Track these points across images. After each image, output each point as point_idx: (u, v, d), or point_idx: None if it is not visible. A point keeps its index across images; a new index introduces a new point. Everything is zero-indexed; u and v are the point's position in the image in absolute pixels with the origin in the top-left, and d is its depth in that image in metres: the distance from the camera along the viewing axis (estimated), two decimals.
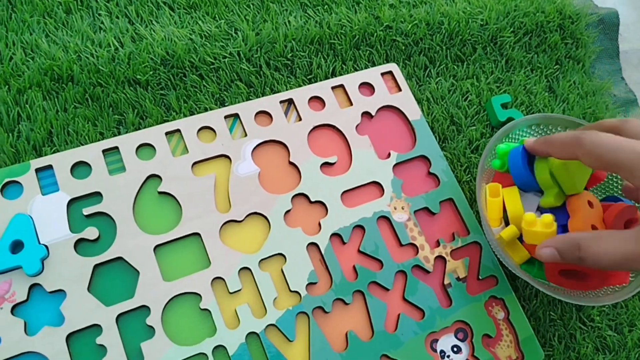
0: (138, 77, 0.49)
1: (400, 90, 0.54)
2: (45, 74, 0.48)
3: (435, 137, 0.54)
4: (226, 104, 0.50)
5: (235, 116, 0.49)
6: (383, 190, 0.49)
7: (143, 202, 0.45)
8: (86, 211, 0.43)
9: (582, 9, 0.65)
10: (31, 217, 0.42)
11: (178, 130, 0.47)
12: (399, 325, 0.44)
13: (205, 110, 0.50)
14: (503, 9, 0.61)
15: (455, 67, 0.58)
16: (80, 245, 0.42)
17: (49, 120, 0.46)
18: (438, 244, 0.48)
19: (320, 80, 0.54)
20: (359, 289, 0.45)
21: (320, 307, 0.44)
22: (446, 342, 0.45)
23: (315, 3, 0.58)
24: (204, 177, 0.46)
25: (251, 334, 0.42)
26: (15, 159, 0.45)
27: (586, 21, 0.65)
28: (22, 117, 0.46)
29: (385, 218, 0.48)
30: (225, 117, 0.48)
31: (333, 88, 0.52)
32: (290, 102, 0.51)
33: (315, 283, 0.44)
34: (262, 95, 0.52)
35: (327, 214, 0.47)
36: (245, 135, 0.48)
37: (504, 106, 0.56)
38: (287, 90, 0.52)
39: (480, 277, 0.48)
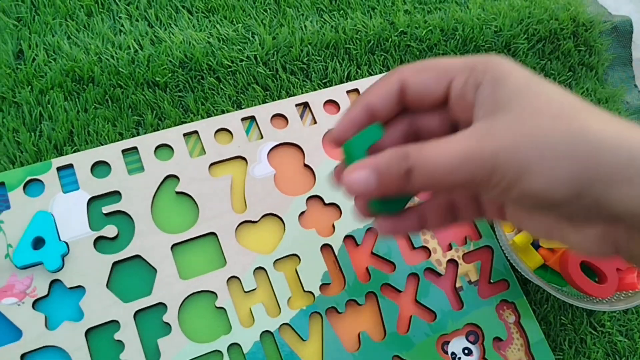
0: (157, 79, 0.50)
1: None
2: (66, 75, 0.49)
3: None
4: (243, 107, 0.51)
5: (252, 119, 0.50)
6: None
7: (161, 201, 0.45)
8: (105, 210, 0.44)
9: (595, 16, 0.65)
10: (52, 215, 0.43)
11: (196, 132, 0.48)
12: (410, 327, 0.45)
13: (222, 112, 0.50)
14: (517, 16, 0.62)
15: None
16: (100, 242, 0.43)
17: (70, 120, 0.47)
18: (450, 247, 0.49)
19: (336, 84, 0.54)
20: (371, 290, 0.45)
21: (333, 308, 0.44)
22: (457, 344, 0.45)
23: (331, 8, 0.58)
24: (221, 178, 0.47)
25: (265, 332, 0.43)
26: (37, 158, 0.46)
27: (600, 29, 0.65)
28: (44, 116, 0.47)
29: None
30: (242, 119, 0.49)
31: (348, 92, 0.53)
32: (305, 105, 0.51)
33: (328, 284, 0.45)
34: (278, 99, 0.52)
35: (341, 216, 0.48)
36: (262, 137, 0.49)
37: None
38: (302, 93, 0.53)
39: (491, 281, 0.48)
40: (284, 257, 0.45)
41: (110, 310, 0.41)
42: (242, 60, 0.53)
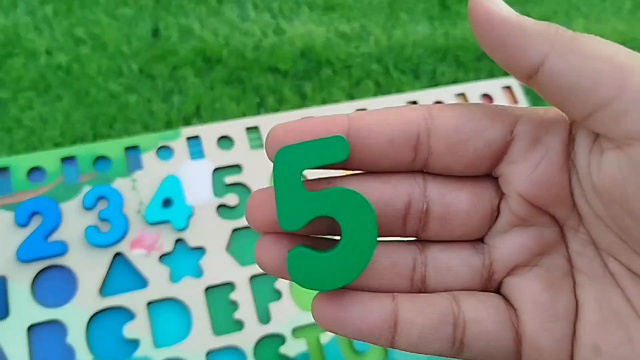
0: (279, 66, 0.53)
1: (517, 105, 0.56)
2: (197, 55, 0.52)
3: None
4: (355, 100, 0.54)
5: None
6: None
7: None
8: (227, 180, 0.47)
9: None
10: (180, 179, 0.46)
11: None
12: None
13: (336, 102, 0.53)
14: (620, 39, 0.63)
15: None
16: (221, 209, 0.46)
17: (198, 96, 0.51)
18: None
19: (443, 86, 0.56)
20: None
21: None
22: None
23: (441, 16, 0.61)
24: None
25: None
26: (167, 126, 0.49)
27: None
28: (175, 90, 0.51)
29: None
30: (356, 110, 0.52)
31: (456, 95, 0.55)
32: (415, 103, 0.54)
33: None
34: (388, 95, 0.55)
35: None
36: None
37: None
38: (411, 92, 0.55)
39: None
40: None
41: (227, 272, 0.44)
42: (357, 57, 0.56)
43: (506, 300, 0.20)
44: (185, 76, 0.51)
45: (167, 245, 0.44)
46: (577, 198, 0.19)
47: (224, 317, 0.43)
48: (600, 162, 0.18)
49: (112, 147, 0.47)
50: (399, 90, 0.55)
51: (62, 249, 0.43)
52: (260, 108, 0.50)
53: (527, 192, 0.19)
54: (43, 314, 0.41)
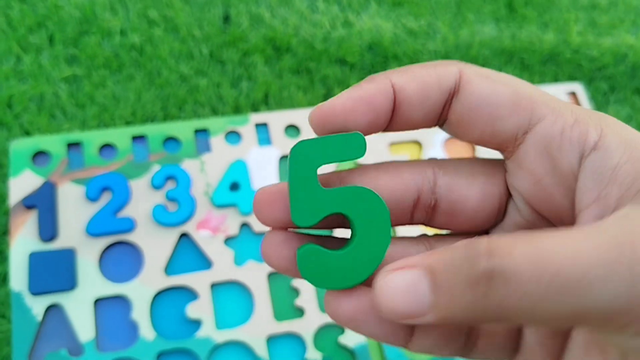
0: (347, 58, 0.53)
1: None
2: (267, 43, 0.53)
3: None
4: None
5: None
6: None
7: (341, 168, 0.48)
8: None
9: None
10: (247, 164, 0.47)
11: None
12: None
13: None
14: None
15: (636, 98, 0.59)
16: None
17: (267, 83, 0.51)
18: None
19: None
20: None
21: None
22: None
23: (508, 18, 0.60)
24: (398, 155, 0.49)
25: None
26: (235, 111, 0.50)
27: None
28: (244, 76, 0.51)
29: None
30: None
31: None
32: None
33: None
34: None
35: None
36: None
37: None
38: None
39: None
40: None
41: None
42: (424, 54, 0.55)
43: None
44: (254, 63, 0.51)
45: (233, 229, 0.45)
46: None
47: (286, 303, 0.43)
48: None
49: (182, 129, 0.47)
50: None
51: (130, 225, 0.43)
52: (327, 99, 0.51)
53: (530, 198, 0.19)
54: (109, 288, 0.42)
